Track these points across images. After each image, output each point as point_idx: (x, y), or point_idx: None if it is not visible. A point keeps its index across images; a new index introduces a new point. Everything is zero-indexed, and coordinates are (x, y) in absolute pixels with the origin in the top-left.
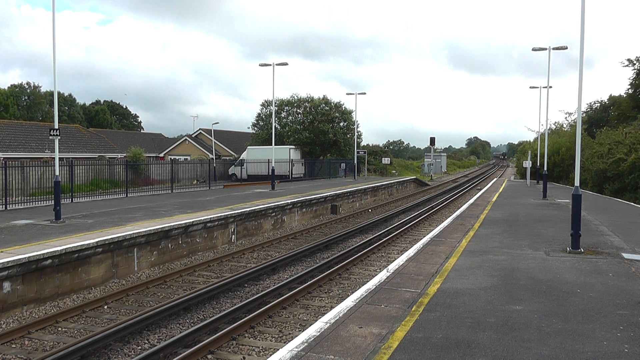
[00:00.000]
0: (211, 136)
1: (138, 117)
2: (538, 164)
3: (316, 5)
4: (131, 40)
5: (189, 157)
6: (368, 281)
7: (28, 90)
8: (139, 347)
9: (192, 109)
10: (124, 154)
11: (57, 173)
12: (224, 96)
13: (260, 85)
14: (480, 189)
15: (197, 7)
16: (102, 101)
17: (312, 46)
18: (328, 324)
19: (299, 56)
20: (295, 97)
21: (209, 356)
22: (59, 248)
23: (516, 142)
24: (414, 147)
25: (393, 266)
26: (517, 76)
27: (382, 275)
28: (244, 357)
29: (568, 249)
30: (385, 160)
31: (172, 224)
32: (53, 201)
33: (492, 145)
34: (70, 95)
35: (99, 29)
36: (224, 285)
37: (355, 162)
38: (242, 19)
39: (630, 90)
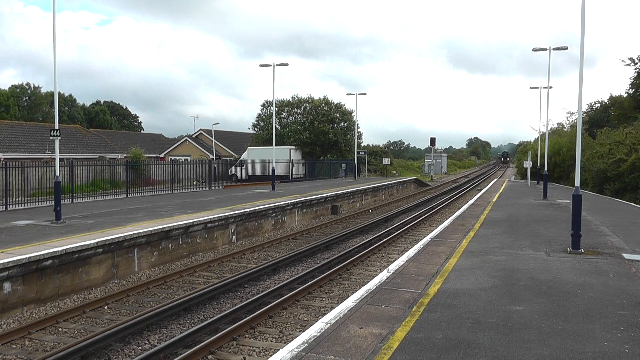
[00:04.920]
0: (211, 136)
1: (138, 117)
2: (538, 164)
3: (312, 1)
4: (128, 39)
5: (189, 158)
6: (368, 281)
7: (29, 91)
8: (140, 348)
9: (190, 109)
10: (125, 155)
11: (57, 173)
12: (221, 96)
13: (257, 84)
14: (481, 190)
15: (189, 5)
16: (102, 102)
17: (308, 44)
18: (328, 325)
19: (296, 55)
20: (296, 98)
21: (210, 356)
22: (59, 248)
23: (516, 143)
24: (414, 147)
25: (393, 266)
26: (518, 75)
27: (383, 276)
28: (244, 358)
29: (568, 249)
30: (386, 161)
31: (172, 224)
32: (53, 202)
33: (492, 146)
34: (70, 95)
35: (98, 29)
36: (225, 286)
37: (356, 162)
38: (236, 17)
39: (631, 90)
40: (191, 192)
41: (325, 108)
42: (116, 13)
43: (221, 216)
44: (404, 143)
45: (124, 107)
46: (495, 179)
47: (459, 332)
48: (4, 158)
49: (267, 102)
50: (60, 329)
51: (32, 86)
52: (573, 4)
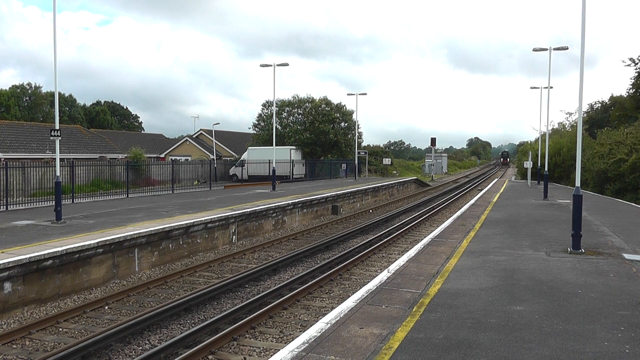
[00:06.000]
0: (212, 137)
1: (139, 117)
2: (539, 165)
3: (311, 1)
4: (128, 39)
5: (189, 158)
6: (369, 282)
7: (29, 91)
8: (140, 348)
9: (190, 109)
10: (125, 155)
11: (58, 174)
12: (221, 96)
13: (257, 84)
14: (481, 190)
15: (189, 4)
16: (102, 102)
17: (308, 44)
18: (329, 325)
19: (295, 54)
20: (296, 98)
21: (210, 356)
22: (59, 249)
23: (517, 143)
24: (415, 147)
25: (394, 267)
26: (519, 75)
27: (383, 276)
28: (244, 358)
29: (569, 249)
30: (386, 161)
31: (172, 224)
32: (54, 202)
33: (493, 146)
34: (70, 95)
35: (98, 29)
36: (225, 286)
37: (356, 162)
38: (236, 16)
39: (631, 90)
40: (192, 192)
41: (326, 108)
42: (116, 13)
43: (222, 216)
44: (404, 143)
45: (124, 107)
46: (496, 179)
47: (459, 332)
48: (5, 158)
49: (267, 102)
50: (60, 329)
51: (32, 86)
52: (573, 4)
